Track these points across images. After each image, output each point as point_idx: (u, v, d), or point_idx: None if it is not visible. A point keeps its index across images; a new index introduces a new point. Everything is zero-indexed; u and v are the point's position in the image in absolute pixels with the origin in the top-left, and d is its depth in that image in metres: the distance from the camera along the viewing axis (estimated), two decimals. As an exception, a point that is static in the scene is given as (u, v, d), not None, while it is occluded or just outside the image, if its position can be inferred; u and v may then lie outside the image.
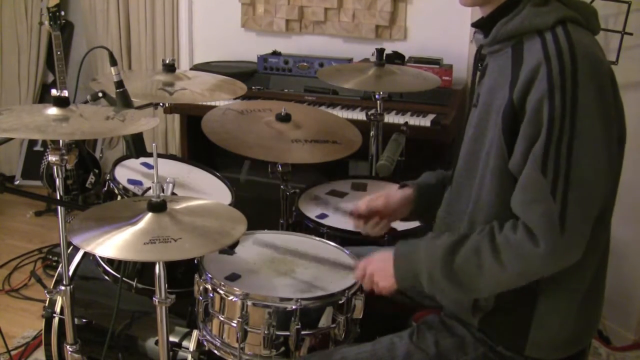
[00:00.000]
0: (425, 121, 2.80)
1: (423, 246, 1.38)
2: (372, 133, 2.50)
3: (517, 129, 1.26)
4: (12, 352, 2.51)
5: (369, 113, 2.51)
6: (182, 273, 1.78)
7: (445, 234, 1.38)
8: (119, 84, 1.80)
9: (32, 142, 4.11)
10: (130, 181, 2.02)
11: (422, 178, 1.73)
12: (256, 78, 3.20)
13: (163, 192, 1.47)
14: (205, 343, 1.62)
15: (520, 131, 1.25)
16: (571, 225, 1.21)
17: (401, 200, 1.69)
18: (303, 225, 2.00)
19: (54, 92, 1.55)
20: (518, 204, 1.27)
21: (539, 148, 1.22)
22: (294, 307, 1.48)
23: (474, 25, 1.42)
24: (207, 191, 2.09)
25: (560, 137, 1.20)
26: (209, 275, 1.57)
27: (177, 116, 3.66)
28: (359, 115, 2.87)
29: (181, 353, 1.78)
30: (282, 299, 1.50)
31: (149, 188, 1.90)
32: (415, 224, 1.88)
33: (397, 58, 2.98)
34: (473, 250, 1.30)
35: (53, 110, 1.53)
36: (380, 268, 1.46)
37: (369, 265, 1.50)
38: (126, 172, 2.08)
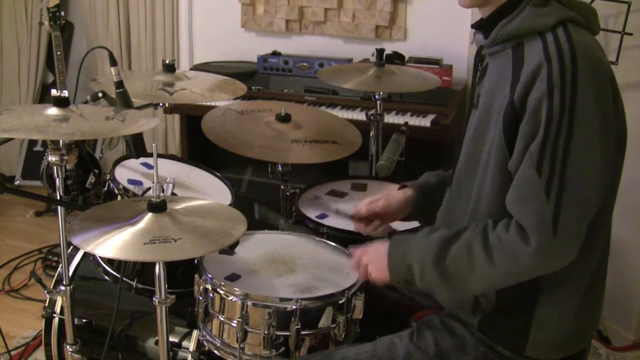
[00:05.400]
0: (425, 121, 2.80)
1: (417, 240, 1.39)
2: (372, 133, 2.50)
3: (518, 129, 1.26)
4: (12, 352, 2.51)
5: (369, 113, 2.50)
6: (182, 273, 1.78)
7: (440, 228, 1.38)
8: (119, 84, 1.80)
9: (32, 142, 4.10)
10: (130, 181, 2.01)
11: (423, 178, 1.73)
12: (256, 78, 3.20)
13: (163, 192, 1.47)
14: (205, 343, 1.62)
15: (519, 131, 1.25)
16: (564, 226, 1.21)
17: (402, 201, 1.69)
18: (303, 226, 2.00)
19: (54, 92, 1.55)
20: (512, 202, 1.27)
21: (535, 147, 1.22)
22: (294, 307, 1.48)
23: (473, 26, 1.42)
24: (207, 191, 2.09)
25: (557, 137, 1.20)
26: (209, 276, 1.57)
27: (177, 116, 3.66)
28: (359, 116, 2.87)
29: (181, 353, 1.78)
30: (282, 299, 1.50)
31: (149, 188, 1.90)
32: (415, 224, 1.87)
33: (397, 58, 2.99)
34: (465, 247, 1.30)
35: (53, 111, 1.53)
36: (374, 259, 1.47)
37: (364, 255, 1.50)
38: (126, 172, 2.07)
